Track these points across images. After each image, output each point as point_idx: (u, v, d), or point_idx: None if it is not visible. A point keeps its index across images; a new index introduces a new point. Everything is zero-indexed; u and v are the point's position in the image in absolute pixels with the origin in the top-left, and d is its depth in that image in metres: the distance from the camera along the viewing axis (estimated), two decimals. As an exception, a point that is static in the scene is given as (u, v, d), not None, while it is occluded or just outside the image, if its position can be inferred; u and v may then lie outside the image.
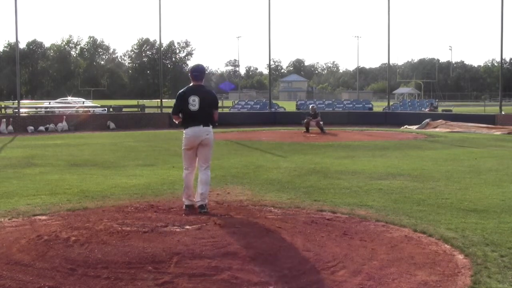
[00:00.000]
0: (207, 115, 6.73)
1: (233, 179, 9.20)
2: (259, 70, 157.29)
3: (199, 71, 6.83)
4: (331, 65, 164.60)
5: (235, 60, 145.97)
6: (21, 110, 29.51)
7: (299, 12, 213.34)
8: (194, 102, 6.63)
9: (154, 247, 4.87)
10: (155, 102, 46.79)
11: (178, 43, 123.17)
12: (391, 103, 35.87)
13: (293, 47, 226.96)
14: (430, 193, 7.87)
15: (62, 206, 6.99)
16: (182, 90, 6.84)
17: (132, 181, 9.13)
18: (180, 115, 6.79)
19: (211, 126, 6.79)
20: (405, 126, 25.09)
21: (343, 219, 6.26)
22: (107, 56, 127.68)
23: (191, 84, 6.82)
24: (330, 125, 23.83)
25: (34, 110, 37.36)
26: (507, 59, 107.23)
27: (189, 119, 6.69)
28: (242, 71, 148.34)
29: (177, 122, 6.93)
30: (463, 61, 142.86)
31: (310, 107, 23.47)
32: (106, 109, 37.18)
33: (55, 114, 28.60)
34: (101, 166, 11.19)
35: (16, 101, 28.01)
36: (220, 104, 50.26)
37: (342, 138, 19.08)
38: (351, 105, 34.74)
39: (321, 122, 21.49)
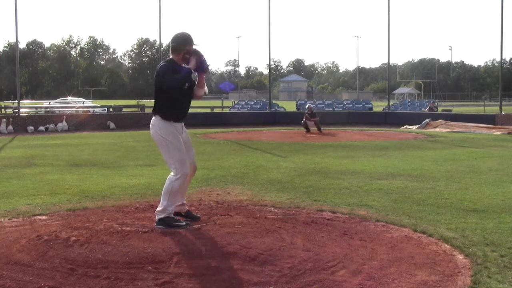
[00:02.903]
0: (155, 99, 5.60)
1: (233, 179, 9.20)
2: (259, 70, 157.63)
3: (172, 41, 5.64)
4: (331, 65, 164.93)
5: (235, 60, 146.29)
6: (21, 110, 29.52)
7: (299, 12, 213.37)
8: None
9: (154, 247, 4.87)
10: (155, 102, 46.70)
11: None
12: (391, 103, 35.89)
13: (293, 47, 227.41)
14: (430, 193, 7.87)
15: (62, 206, 6.99)
16: None
17: (132, 181, 9.13)
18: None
19: (157, 117, 5.53)
20: (405, 126, 25.09)
21: (343, 219, 6.26)
22: (107, 56, 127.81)
23: None
24: (330, 125, 23.84)
25: (34, 110, 37.38)
26: (507, 59, 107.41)
27: None
28: (242, 71, 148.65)
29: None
30: (463, 61, 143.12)
31: (306, 107, 23.49)
32: (106, 109, 37.20)
33: (55, 114, 28.61)
34: (101, 166, 11.19)
35: (16, 101, 28.02)
36: (220, 104, 50.60)
37: (342, 138, 19.08)
38: (351, 105, 34.74)
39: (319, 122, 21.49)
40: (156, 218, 5.64)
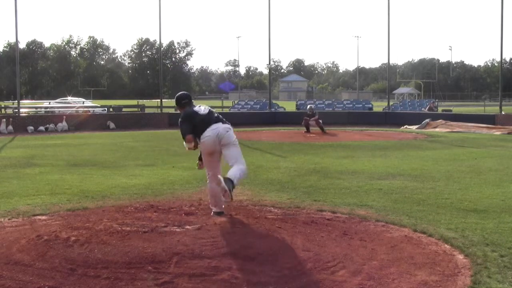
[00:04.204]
0: (218, 116, 6.42)
1: (233, 179, 9.18)
2: (259, 70, 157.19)
3: (187, 97, 6.55)
4: (331, 65, 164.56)
5: (235, 60, 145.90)
6: (21, 110, 29.51)
7: (299, 12, 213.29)
8: (200, 108, 6.41)
9: (154, 247, 4.87)
10: (155, 102, 46.84)
11: (178, 43, 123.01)
12: (391, 103, 35.86)
13: (293, 47, 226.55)
14: (430, 193, 7.87)
15: (62, 206, 6.99)
16: (182, 114, 6.44)
17: (132, 181, 9.13)
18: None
19: (229, 124, 6.39)
20: (405, 126, 25.09)
21: (343, 219, 6.26)
22: (107, 56, 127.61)
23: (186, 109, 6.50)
24: (330, 125, 23.83)
25: (34, 110, 37.34)
26: (507, 59, 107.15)
27: (203, 124, 6.24)
28: (242, 71, 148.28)
29: (191, 146, 6.28)
30: (463, 61, 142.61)
31: (307, 107, 23.47)
32: (106, 109, 37.20)
33: (55, 114, 28.60)
34: (101, 166, 11.19)
35: (16, 101, 28.01)
36: (220, 104, 50.66)
37: (342, 138, 19.09)
38: (351, 105, 34.73)
39: (320, 121, 21.49)
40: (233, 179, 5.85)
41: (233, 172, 5.93)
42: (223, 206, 6.38)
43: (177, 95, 6.70)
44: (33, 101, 68.95)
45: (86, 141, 18.05)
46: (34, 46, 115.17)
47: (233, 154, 6.17)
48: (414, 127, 24.34)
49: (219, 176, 5.86)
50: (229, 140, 6.19)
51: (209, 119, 6.29)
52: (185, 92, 6.78)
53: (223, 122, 6.34)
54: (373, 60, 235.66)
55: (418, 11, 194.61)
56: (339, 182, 8.87)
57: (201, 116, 6.29)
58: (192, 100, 6.67)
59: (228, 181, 5.72)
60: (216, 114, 6.46)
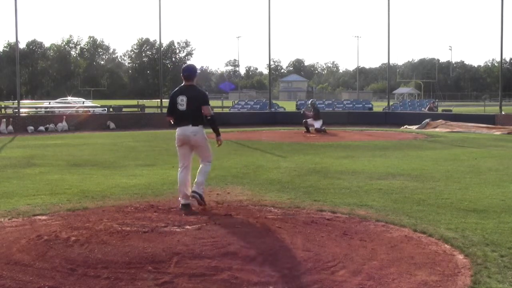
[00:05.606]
0: (195, 114, 6.82)
1: (233, 179, 9.20)
2: (259, 70, 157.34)
3: (188, 71, 6.99)
4: (331, 65, 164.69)
5: (235, 60, 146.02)
6: (21, 110, 29.50)
7: (299, 12, 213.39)
8: (182, 102, 6.81)
9: (154, 247, 4.87)
10: (155, 102, 46.85)
11: (178, 43, 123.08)
12: (391, 103, 35.85)
13: (293, 47, 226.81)
14: (430, 193, 7.87)
15: (62, 206, 6.99)
16: (174, 90, 7.07)
17: (132, 181, 9.13)
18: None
19: (200, 126, 6.82)
20: (405, 126, 25.08)
21: (343, 219, 6.26)
22: (107, 56, 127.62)
23: (182, 84, 7.02)
24: (330, 125, 23.82)
25: (34, 110, 37.34)
26: (507, 59, 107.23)
27: (178, 119, 6.89)
28: (242, 71, 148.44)
29: (170, 122, 7.12)
30: (463, 61, 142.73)
31: (309, 102, 23.28)
32: (106, 109, 37.20)
33: (55, 114, 28.59)
34: (101, 166, 11.19)
35: (16, 101, 28.00)
36: (220, 104, 50.68)
37: (342, 138, 19.08)
38: (351, 105, 34.72)
39: (322, 126, 21.15)
40: (198, 190, 6.69)
41: (199, 181, 6.76)
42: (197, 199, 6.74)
43: (185, 65, 7.33)
44: (33, 101, 68.95)
45: (86, 141, 18.05)
46: (34, 46, 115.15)
47: (200, 154, 6.96)
48: (414, 127, 24.34)
49: (186, 192, 6.76)
50: (196, 143, 6.84)
51: (182, 117, 6.84)
52: (191, 66, 7.24)
53: (194, 124, 6.77)
54: (373, 60, 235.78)
55: (418, 11, 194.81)
56: (339, 182, 8.87)
57: (177, 111, 6.88)
58: (194, 79, 6.98)
59: (195, 193, 6.65)
60: (194, 112, 6.79)
